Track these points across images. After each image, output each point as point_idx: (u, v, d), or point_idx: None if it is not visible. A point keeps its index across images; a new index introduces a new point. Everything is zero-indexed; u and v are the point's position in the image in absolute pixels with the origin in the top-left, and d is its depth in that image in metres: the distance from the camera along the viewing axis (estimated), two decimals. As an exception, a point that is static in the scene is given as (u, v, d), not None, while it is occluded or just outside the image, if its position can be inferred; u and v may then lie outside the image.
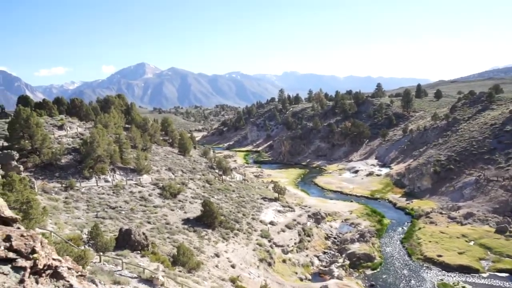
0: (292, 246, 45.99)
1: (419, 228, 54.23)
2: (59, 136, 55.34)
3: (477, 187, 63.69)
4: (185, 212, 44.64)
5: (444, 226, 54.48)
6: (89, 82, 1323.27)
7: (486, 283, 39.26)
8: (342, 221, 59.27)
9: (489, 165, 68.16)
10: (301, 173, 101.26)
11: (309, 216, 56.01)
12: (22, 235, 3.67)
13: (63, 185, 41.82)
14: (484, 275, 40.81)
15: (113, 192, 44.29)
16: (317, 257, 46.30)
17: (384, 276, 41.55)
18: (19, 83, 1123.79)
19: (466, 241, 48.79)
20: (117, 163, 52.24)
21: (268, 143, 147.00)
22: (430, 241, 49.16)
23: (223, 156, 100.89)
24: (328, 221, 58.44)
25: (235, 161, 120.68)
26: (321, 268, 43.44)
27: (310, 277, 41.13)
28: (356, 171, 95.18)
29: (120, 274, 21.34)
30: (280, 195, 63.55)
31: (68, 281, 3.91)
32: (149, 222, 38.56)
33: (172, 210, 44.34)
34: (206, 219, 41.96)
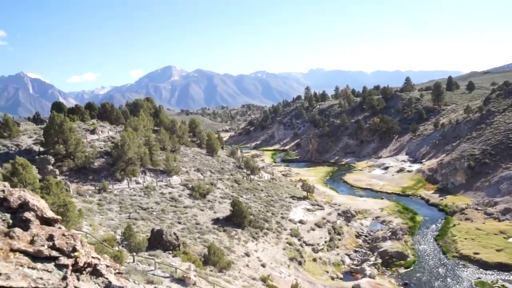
0: (323, 244, 45.65)
1: (454, 225, 52.65)
2: (91, 140, 57.10)
3: (514, 181, 61.22)
4: (214, 212, 45.10)
5: (480, 222, 52.66)
6: (118, 86, 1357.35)
7: (527, 281, 37.67)
8: (373, 219, 58.32)
9: (527, 158, 65.44)
10: (329, 171, 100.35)
11: (338, 214, 55.43)
12: (63, 235, 3.85)
13: (97, 188, 43.13)
14: (524, 273, 39.17)
15: (144, 194, 45.28)
16: (348, 255, 45.76)
17: (418, 275, 40.59)
18: (53, 90, 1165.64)
19: (505, 237, 46.90)
20: (147, 165, 53.38)
21: (295, 141, 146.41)
22: (465, 238, 47.64)
23: (250, 156, 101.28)
24: (358, 219, 57.66)
25: (262, 160, 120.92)
26: (353, 266, 42.91)
27: (341, 276, 40.70)
28: (386, 168, 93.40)
29: (153, 274, 21.80)
30: (308, 194, 63.19)
31: (107, 278, 4.07)
32: (179, 223, 39.19)
33: (202, 210, 44.90)
34: (236, 219, 42.24)
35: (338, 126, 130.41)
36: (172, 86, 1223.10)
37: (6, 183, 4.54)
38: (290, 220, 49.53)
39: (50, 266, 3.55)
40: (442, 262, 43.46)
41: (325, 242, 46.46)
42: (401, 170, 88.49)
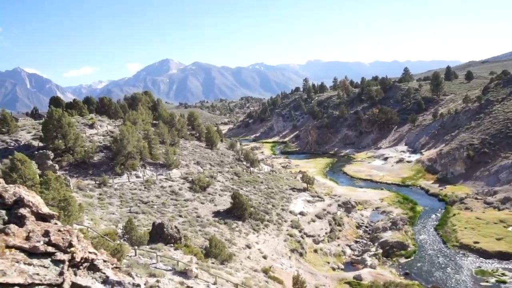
0: (323, 236, 45.79)
1: (454, 215, 52.79)
2: (90, 134, 56.99)
3: (514, 170, 61.29)
4: (215, 205, 45.17)
5: (480, 211, 52.81)
6: (116, 80, 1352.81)
7: (527, 269, 37.86)
8: (373, 210, 58.47)
9: (526, 147, 65.45)
10: (329, 162, 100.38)
11: (339, 205, 55.54)
12: (59, 230, 3.78)
13: (97, 182, 43.14)
14: (524, 261, 39.34)
15: (145, 187, 45.31)
16: (349, 246, 45.94)
17: (418, 264, 40.78)
18: (50, 84, 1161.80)
19: (505, 226, 47.05)
20: (147, 159, 53.34)
21: (295, 133, 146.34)
22: (465, 228, 47.79)
23: (250, 148, 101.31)
24: (358, 209, 57.81)
25: (262, 152, 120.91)
26: (354, 257, 43.07)
27: (342, 266, 40.88)
28: (386, 158, 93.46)
29: (155, 267, 21.86)
30: (308, 185, 63.27)
31: (104, 273, 4.02)
32: (180, 216, 39.26)
33: (202, 203, 44.96)
34: (236, 211, 42.32)
35: (337, 118, 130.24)
36: (170, 79, 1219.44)
37: (1, 180, 4.47)
38: (290, 212, 49.64)
39: (47, 261, 3.49)
40: (442, 251, 43.64)
41: (326, 233, 46.60)
42: (400, 161, 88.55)
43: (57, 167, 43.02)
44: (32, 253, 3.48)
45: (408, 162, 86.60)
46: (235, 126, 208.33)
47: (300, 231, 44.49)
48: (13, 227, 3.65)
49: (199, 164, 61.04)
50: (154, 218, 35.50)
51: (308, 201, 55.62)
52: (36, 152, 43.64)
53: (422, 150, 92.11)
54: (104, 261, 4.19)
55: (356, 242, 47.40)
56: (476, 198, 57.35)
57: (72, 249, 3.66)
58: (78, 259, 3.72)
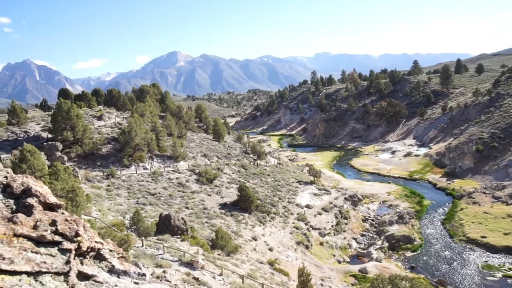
0: (329, 229, 45.86)
1: (461, 209, 52.50)
2: (98, 126, 57.38)
3: (523, 165, 60.70)
4: (221, 197, 45.38)
5: (488, 206, 52.46)
6: (124, 72, 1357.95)
7: (535, 264, 37.62)
8: (380, 203, 58.34)
9: (537, 141, 64.67)
10: (336, 156, 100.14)
11: (345, 198, 55.50)
12: (66, 220, 3.85)
13: (105, 174, 43.53)
14: (532, 256, 39.09)
15: (152, 179, 45.62)
16: (355, 239, 45.97)
17: (424, 258, 40.72)
18: (59, 76, 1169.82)
19: (512, 221, 46.77)
20: (154, 151, 53.64)
21: (302, 126, 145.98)
22: (473, 222, 47.55)
23: (257, 141, 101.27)
24: (365, 203, 57.72)
25: (269, 145, 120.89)
26: (360, 250, 43.13)
27: (348, 259, 40.96)
28: (393, 152, 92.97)
29: (162, 258, 22.08)
30: (315, 178, 63.25)
31: (110, 262, 4.10)
32: (187, 207, 39.52)
33: (209, 195, 45.19)
34: (243, 204, 42.49)
35: (345, 111, 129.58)
36: (178, 72, 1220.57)
37: (9, 169, 4.55)
38: (297, 205, 49.73)
39: (54, 250, 3.57)
40: (449, 245, 43.50)
41: (332, 226, 46.66)
42: (408, 154, 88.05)
43: (65, 158, 43.47)
44: (40, 241, 3.56)
45: (416, 155, 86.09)
46: (242, 118, 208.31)
47: (306, 224, 44.59)
48: (21, 216, 3.73)
49: (206, 157, 61.25)
50: (161, 210, 35.79)
51: (315, 194, 55.64)
52: (45, 144, 44.12)
53: (431, 144, 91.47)
54: (110, 250, 4.27)
55: (362, 235, 47.40)
56: (484, 193, 56.94)
57: (79, 238, 3.74)
58: (84, 248, 3.79)
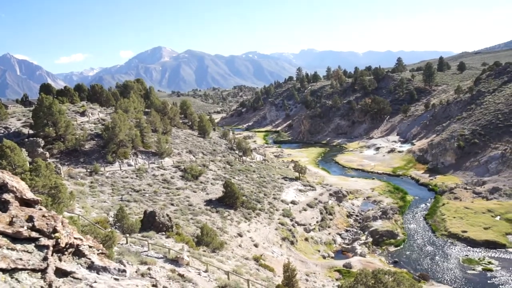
0: (314, 224, 46.18)
1: (443, 204, 53.48)
2: (81, 122, 56.49)
3: (503, 161, 62.07)
4: (207, 194, 45.24)
5: (469, 201, 53.56)
6: (107, 68, 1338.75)
7: (513, 257, 38.60)
8: (364, 199, 58.99)
9: (516, 138, 66.13)
10: (321, 152, 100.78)
11: (330, 194, 55.95)
12: (43, 216, 3.77)
13: (88, 170, 42.90)
14: (511, 250, 40.09)
15: (136, 176, 45.18)
16: (340, 235, 46.42)
17: (407, 253, 41.39)
18: (41, 71, 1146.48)
19: (492, 216, 47.87)
20: (139, 147, 53.10)
21: (287, 122, 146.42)
22: (454, 217, 48.49)
23: (242, 137, 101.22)
24: (349, 199, 58.29)
25: (254, 141, 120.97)
26: (344, 245, 43.56)
27: (333, 254, 41.36)
28: (377, 148, 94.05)
29: (147, 255, 21.91)
30: (300, 174, 63.55)
31: (89, 259, 4.03)
32: (172, 204, 39.29)
33: (195, 191, 44.99)
34: (228, 200, 42.44)
35: (330, 107, 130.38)
36: (162, 67, 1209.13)
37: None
38: (282, 201, 49.91)
39: (30, 247, 3.48)
40: (431, 240, 44.30)
41: (317, 222, 47.00)
42: (392, 151, 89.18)
43: (47, 154, 42.69)
44: (16, 238, 3.47)
45: (400, 152, 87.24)
46: (228, 115, 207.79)
47: (291, 220, 44.81)
48: (-4, 212, 3.63)
49: (192, 153, 60.94)
50: (146, 206, 35.51)
51: (300, 190, 55.93)
52: (27, 140, 43.23)
53: (414, 141, 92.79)
54: (90, 246, 4.19)
55: (347, 231, 47.90)
56: (465, 188, 58.10)
57: (57, 234, 3.65)
58: (62, 245, 3.71)
